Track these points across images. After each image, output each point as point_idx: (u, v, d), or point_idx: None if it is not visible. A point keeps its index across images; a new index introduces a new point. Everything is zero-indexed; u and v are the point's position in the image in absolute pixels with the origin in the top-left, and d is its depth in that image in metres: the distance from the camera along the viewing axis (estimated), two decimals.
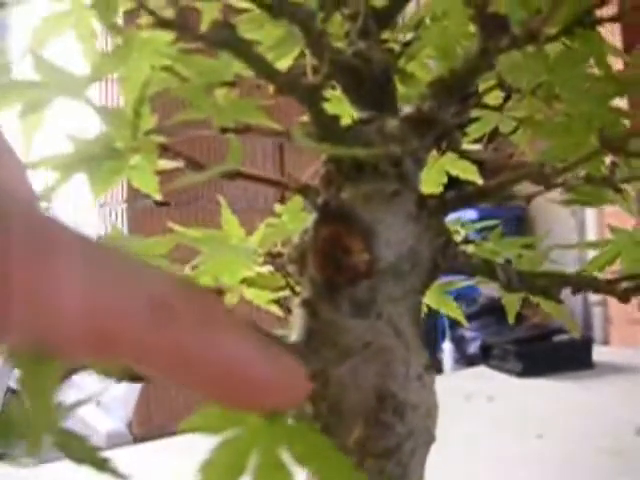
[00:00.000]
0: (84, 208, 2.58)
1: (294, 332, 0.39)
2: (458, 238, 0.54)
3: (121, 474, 0.35)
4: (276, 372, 0.25)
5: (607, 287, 0.42)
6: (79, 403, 0.38)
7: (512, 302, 0.60)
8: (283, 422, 0.29)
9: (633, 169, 0.43)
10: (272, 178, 0.42)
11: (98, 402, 2.19)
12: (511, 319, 0.61)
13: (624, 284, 0.42)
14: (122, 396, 2.14)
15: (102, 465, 0.35)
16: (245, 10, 0.51)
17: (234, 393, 0.24)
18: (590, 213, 2.48)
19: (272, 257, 0.47)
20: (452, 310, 0.63)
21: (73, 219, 2.72)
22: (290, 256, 0.40)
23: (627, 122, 0.42)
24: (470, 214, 2.73)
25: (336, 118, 0.38)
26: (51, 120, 0.50)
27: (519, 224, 3.18)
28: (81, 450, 0.36)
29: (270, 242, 0.52)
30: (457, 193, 0.40)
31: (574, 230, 2.71)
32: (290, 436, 0.29)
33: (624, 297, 0.41)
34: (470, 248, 0.54)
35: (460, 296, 2.95)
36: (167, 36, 0.45)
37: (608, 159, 0.45)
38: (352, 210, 0.37)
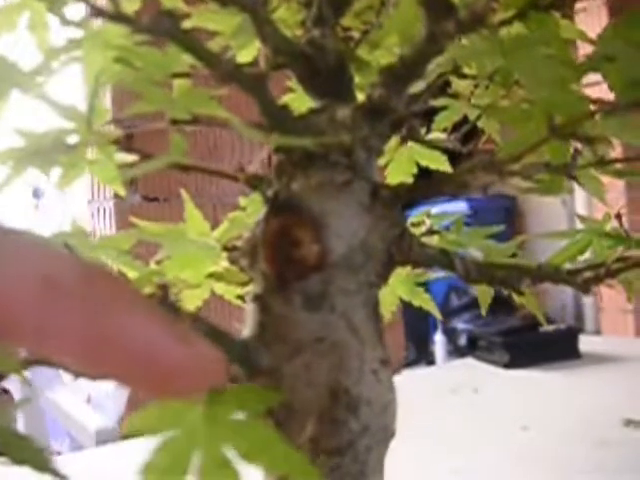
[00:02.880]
0: (74, 204, 2.57)
1: (246, 327, 0.39)
2: (423, 229, 0.53)
3: (63, 475, 0.34)
4: (186, 354, 0.24)
5: (567, 278, 0.41)
6: (24, 402, 0.37)
7: (485, 294, 0.59)
8: (226, 418, 0.28)
9: (596, 155, 0.42)
10: (224, 170, 0.41)
11: (89, 399, 2.19)
12: (484, 311, 0.60)
13: (586, 274, 0.41)
14: (113, 393, 2.14)
15: (44, 466, 0.34)
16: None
17: (141, 375, 0.23)
18: (580, 204, 2.47)
19: (229, 251, 0.46)
20: (424, 302, 0.62)
21: (63, 215, 2.71)
22: (242, 249, 0.40)
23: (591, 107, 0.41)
24: (460, 206, 2.74)
25: (285, 107, 0.38)
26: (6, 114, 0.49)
27: (509, 215, 3.18)
28: (24, 450, 0.35)
29: (233, 236, 0.51)
30: (411, 184, 0.39)
31: (564, 221, 2.71)
32: (234, 432, 0.28)
33: (584, 287, 0.40)
34: (435, 239, 0.53)
35: (451, 288, 2.96)
36: (119, 28, 0.45)
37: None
38: (301, 201, 0.37)
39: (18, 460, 0.34)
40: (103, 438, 1.86)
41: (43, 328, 0.21)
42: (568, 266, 0.44)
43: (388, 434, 0.39)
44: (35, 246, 0.22)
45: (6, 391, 2.49)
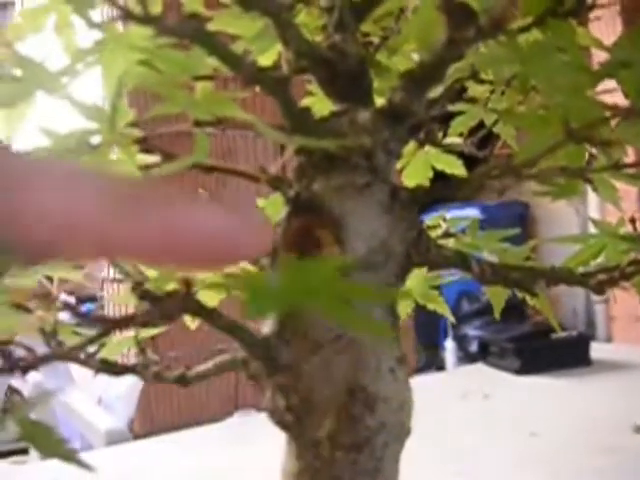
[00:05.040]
0: None
1: (266, 325, 0.39)
2: (439, 232, 0.54)
3: (88, 466, 0.35)
4: (242, 223, 0.26)
5: (581, 280, 0.42)
6: (45, 396, 0.38)
7: (498, 297, 0.59)
8: None
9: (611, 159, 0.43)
10: (246, 171, 0.42)
11: (100, 400, 2.19)
12: (497, 314, 0.60)
13: (600, 277, 0.42)
14: (124, 394, 2.14)
15: (69, 457, 0.35)
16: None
17: (203, 253, 0.25)
18: (593, 210, 2.47)
19: None
20: (439, 305, 0.63)
21: None
22: None
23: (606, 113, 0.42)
24: (473, 212, 2.73)
25: (307, 110, 0.38)
26: (33, 114, 0.50)
27: (522, 222, 3.17)
28: (49, 442, 0.36)
29: None
30: (428, 187, 0.40)
31: (577, 229, 2.71)
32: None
33: (599, 290, 0.41)
34: (451, 242, 0.53)
35: (462, 294, 2.95)
36: (143, 30, 0.45)
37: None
38: (323, 202, 0.37)
39: (44, 451, 0.35)
40: (113, 439, 1.87)
41: (111, 233, 0.24)
42: (582, 269, 0.44)
43: (404, 431, 0.40)
44: (99, 170, 0.25)
45: (17, 391, 2.50)
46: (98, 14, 0.47)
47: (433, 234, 0.54)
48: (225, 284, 0.58)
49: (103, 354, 0.53)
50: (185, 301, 0.36)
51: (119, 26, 0.46)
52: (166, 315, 0.36)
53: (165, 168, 0.37)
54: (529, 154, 0.39)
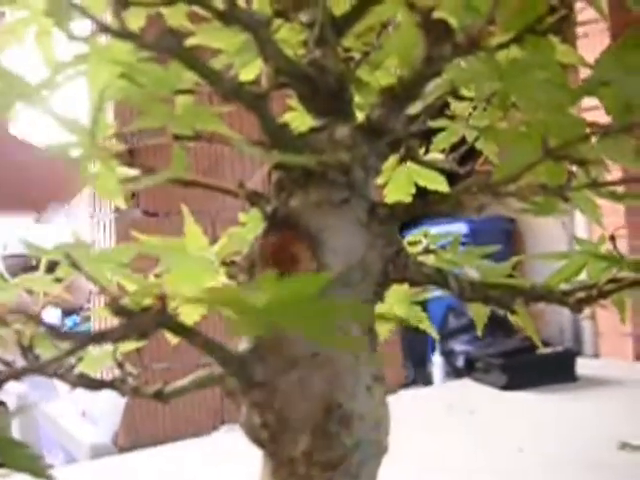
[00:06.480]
0: (75, 218, 2.58)
1: (243, 341, 0.39)
2: (420, 248, 0.54)
3: None
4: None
5: (560, 298, 0.41)
6: (20, 411, 0.37)
7: (480, 314, 0.59)
8: None
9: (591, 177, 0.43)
10: (224, 186, 0.42)
11: (84, 413, 2.18)
12: (480, 331, 0.60)
13: (578, 295, 0.42)
14: (109, 407, 2.13)
15: (41, 474, 0.35)
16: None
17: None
18: (580, 226, 2.47)
19: (227, 266, 0.46)
20: (421, 321, 0.63)
21: (65, 229, 2.72)
22: (241, 265, 0.40)
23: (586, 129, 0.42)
24: (460, 228, 2.74)
25: (286, 126, 0.38)
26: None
27: (508, 236, 3.18)
28: (21, 458, 0.35)
29: (232, 251, 0.52)
30: (408, 203, 0.40)
31: (564, 244, 2.71)
32: None
33: (577, 307, 0.41)
34: (431, 258, 0.53)
35: (449, 309, 2.94)
36: (125, 44, 0.45)
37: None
38: (300, 218, 0.37)
39: (15, 467, 0.35)
40: (98, 452, 1.85)
41: None
42: (563, 287, 0.44)
43: (381, 449, 0.39)
44: None
45: (2, 403, 2.48)
46: (79, 26, 0.47)
47: (414, 250, 0.54)
48: (206, 299, 0.58)
49: (81, 368, 0.52)
50: (160, 317, 0.36)
51: (101, 39, 0.46)
52: (141, 330, 0.36)
53: (143, 182, 0.37)
54: (508, 171, 0.39)
